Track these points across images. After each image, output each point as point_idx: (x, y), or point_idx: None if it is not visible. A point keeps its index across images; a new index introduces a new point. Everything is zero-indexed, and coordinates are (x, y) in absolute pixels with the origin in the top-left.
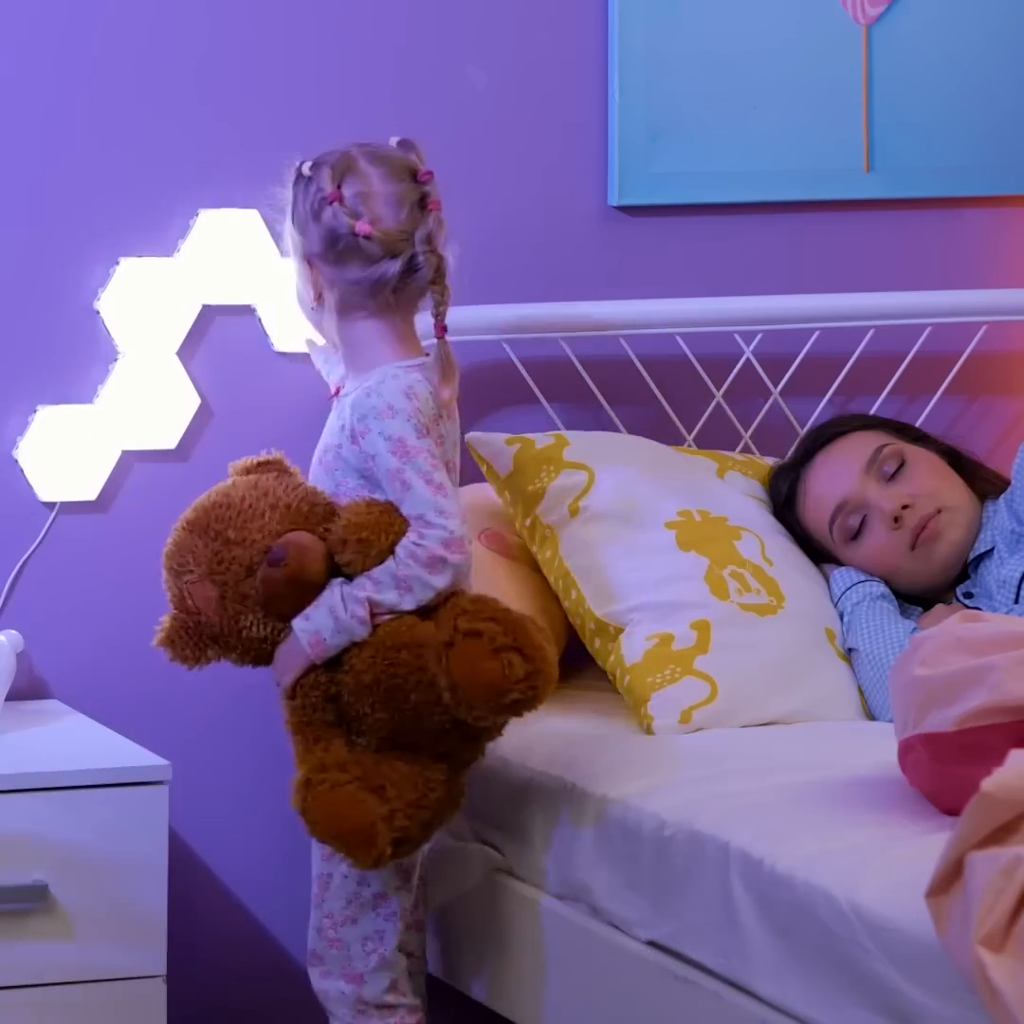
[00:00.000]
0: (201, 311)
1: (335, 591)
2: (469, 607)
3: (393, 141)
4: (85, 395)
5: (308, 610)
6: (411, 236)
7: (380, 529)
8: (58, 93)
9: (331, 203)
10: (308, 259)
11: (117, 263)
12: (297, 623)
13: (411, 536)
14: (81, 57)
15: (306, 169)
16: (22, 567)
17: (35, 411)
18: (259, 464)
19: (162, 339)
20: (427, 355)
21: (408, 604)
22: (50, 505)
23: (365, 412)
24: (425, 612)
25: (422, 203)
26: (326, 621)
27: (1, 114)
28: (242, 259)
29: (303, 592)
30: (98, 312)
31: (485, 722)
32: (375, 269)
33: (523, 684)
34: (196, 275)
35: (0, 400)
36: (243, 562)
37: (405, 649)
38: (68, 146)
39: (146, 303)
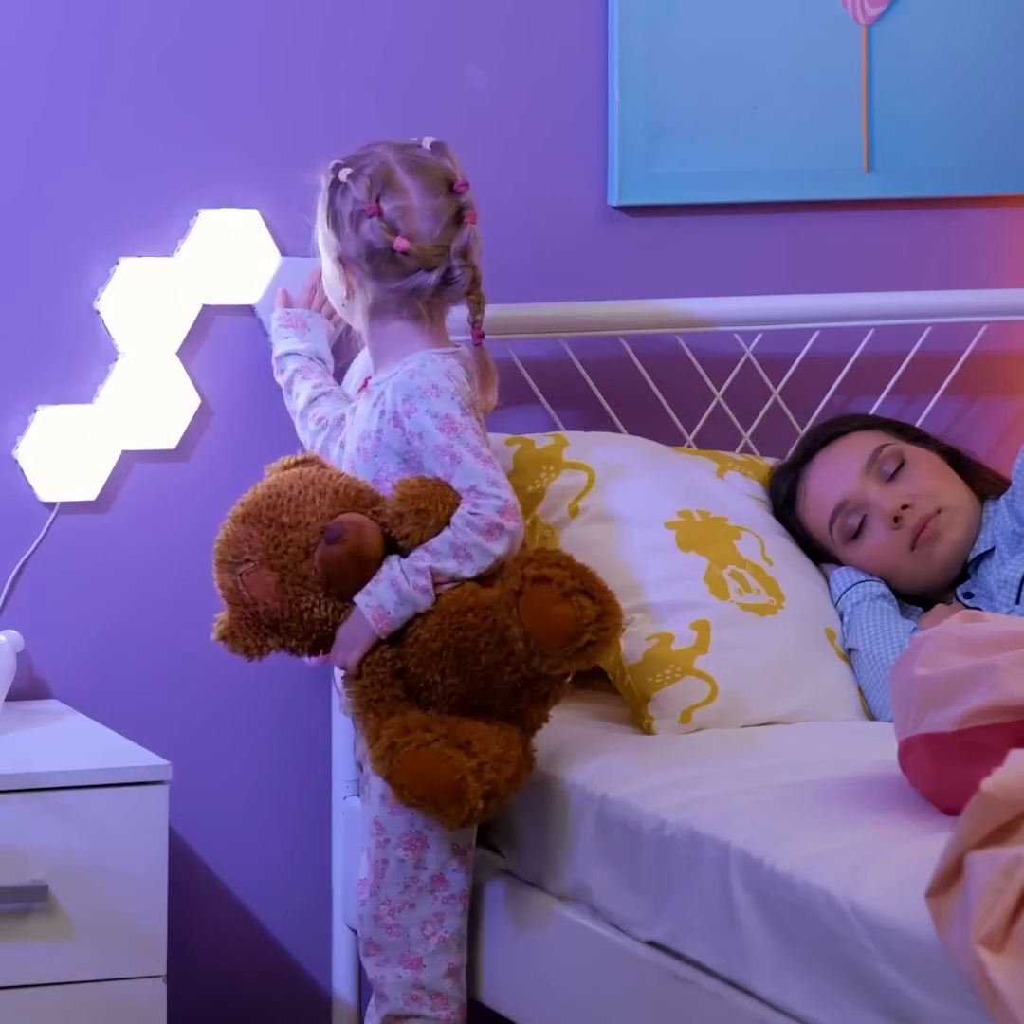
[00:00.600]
0: (201, 311)
1: (394, 565)
2: (534, 556)
3: (427, 143)
4: (85, 395)
5: (369, 585)
6: (447, 250)
7: (436, 500)
8: (58, 93)
9: (370, 216)
10: (342, 260)
11: (117, 263)
12: (360, 599)
13: (466, 506)
14: (81, 58)
15: (344, 176)
16: (22, 567)
17: (35, 411)
18: (297, 462)
19: (162, 339)
20: (457, 347)
21: (468, 572)
22: (50, 505)
23: (410, 393)
24: (484, 580)
25: (458, 217)
26: (388, 594)
27: (1, 114)
28: (242, 259)
29: (363, 568)
30: (98, 312)
31: (559, 670)
32: (410, 281)
33: (595, 625)
34: (196, 275)
35: (0, 400)
36: (300, 544)
37: (471, 612)
38: (68, 146)
39: (146, 303)
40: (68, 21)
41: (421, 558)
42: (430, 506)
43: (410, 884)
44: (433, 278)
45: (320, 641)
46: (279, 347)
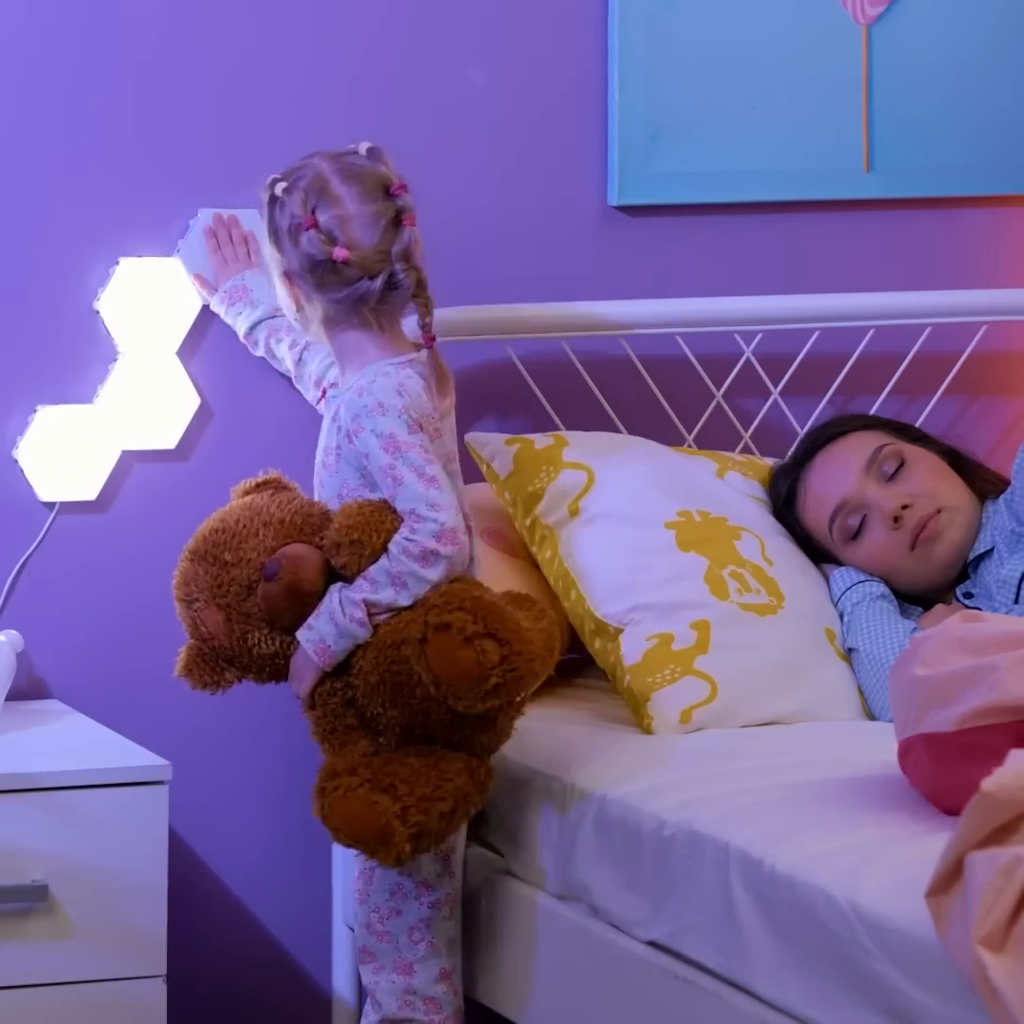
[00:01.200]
0: (201, 311)
1: (333, 598)
2: (438, 601)
3: (362, 148)
4: (85, 395)
5: (310, 619)
6: (388, 255)
7: (371, 529)
8: (58, 94)
9: (307, 229)
10: (288, 275)
11: (117, 263)
12: (301, 634)
13: (403, 531)
14: (81, 58)
15: (279, 190)
16: (22, 567)
17: (35, 411)
18: (257, 485)
19: (162, 339)
20: (418, 349)
21: (405, 600)
22: (50, 505)
23: (357, 411)
24: None
25: (397, 220)
26: (328, 628)
27: (1, 115)
28: None
29: (303, 602)
30: (98, 312)
31: (474, 709)
32: (355, 289)
33: (500, 668)
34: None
35: (0, 400)
36: (242, 582)
37: (404, 644)
38: (68, 146)
39: (146, 303)
40: (68, 21)
41: (360, 589)
42: (364, 535)
43: (395, 891)
44: (377, 284)
45: (275, 672)
46: (239, 326)
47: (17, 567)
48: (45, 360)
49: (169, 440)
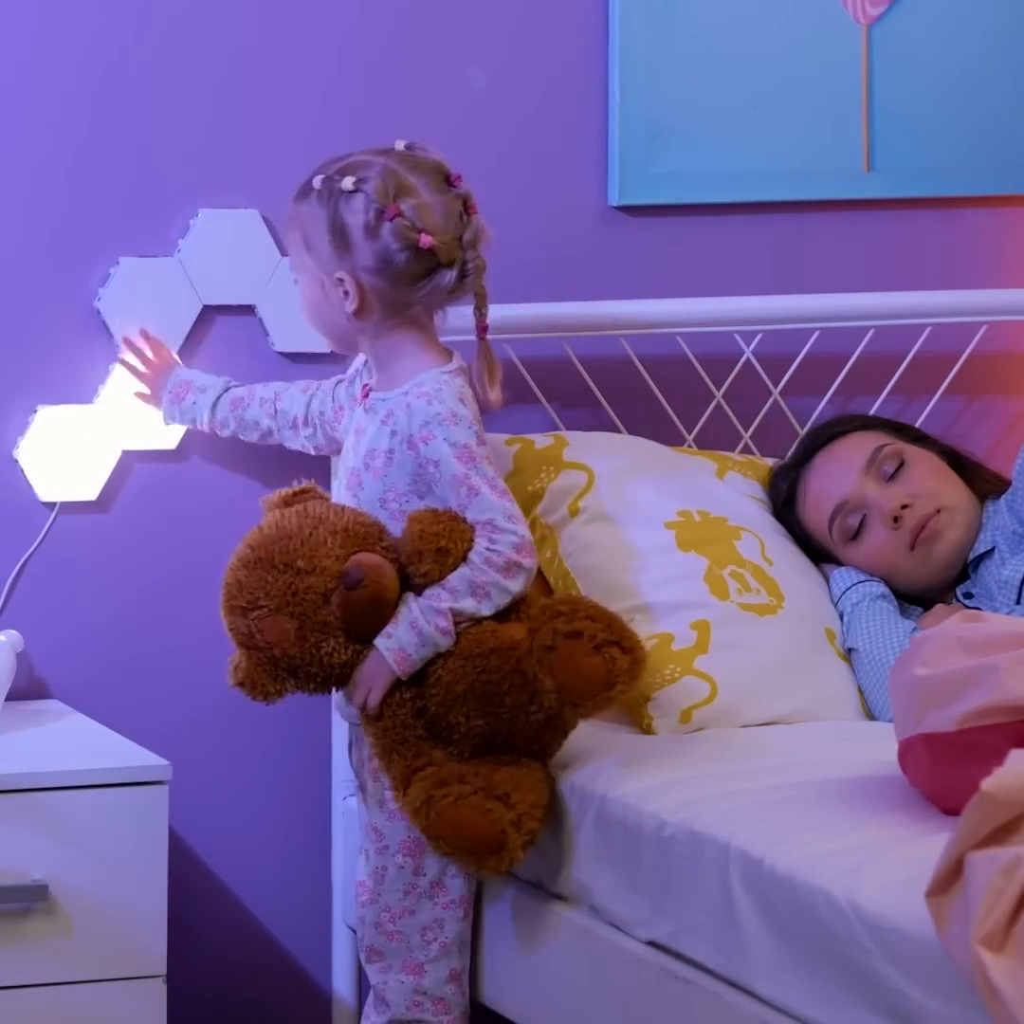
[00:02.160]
0: (201, 311)
1: (412, 606)
2: (564, 608)
3: (400, 145)
4: (85, 395)
5: (388, 627)
6: (461, 242)
7: (455, 537)
8: (58, 94)
9: (392, 219)
10: (349, 274)
11: (117, 263)
12: (380, 641)
13: (483, 542)
14: (81, 58)
15: (349, 184)
16: (22, 567)
17: (35, 411)
18: (295, 494)
19: (162, 339)
20: (460, 361)
21: (487, 610)
22: (50, 505)
23: (428, 419)
24: (501, 616)
25: (465, 208)
26: (409, 636)
27: (1, 115)
28: (242, 259)
29: (383, 610)
30: (98, 312)
31: (590, 716)
32: (433, 280)
33: (626, 675)
34: (196, 275)
35: (0, 400)
36: (318, 590)
37: (493, 654)
38: (68, 146)
39: (146, 303)
40: (68, 21)
41: (439, 598)
42: (450, 544)
43: (410, 890)
44: (452, 274)
45: (340, 681)
46: (201, 415)
47: (17, 567)
48: (45, 360)
49: (169, 440)
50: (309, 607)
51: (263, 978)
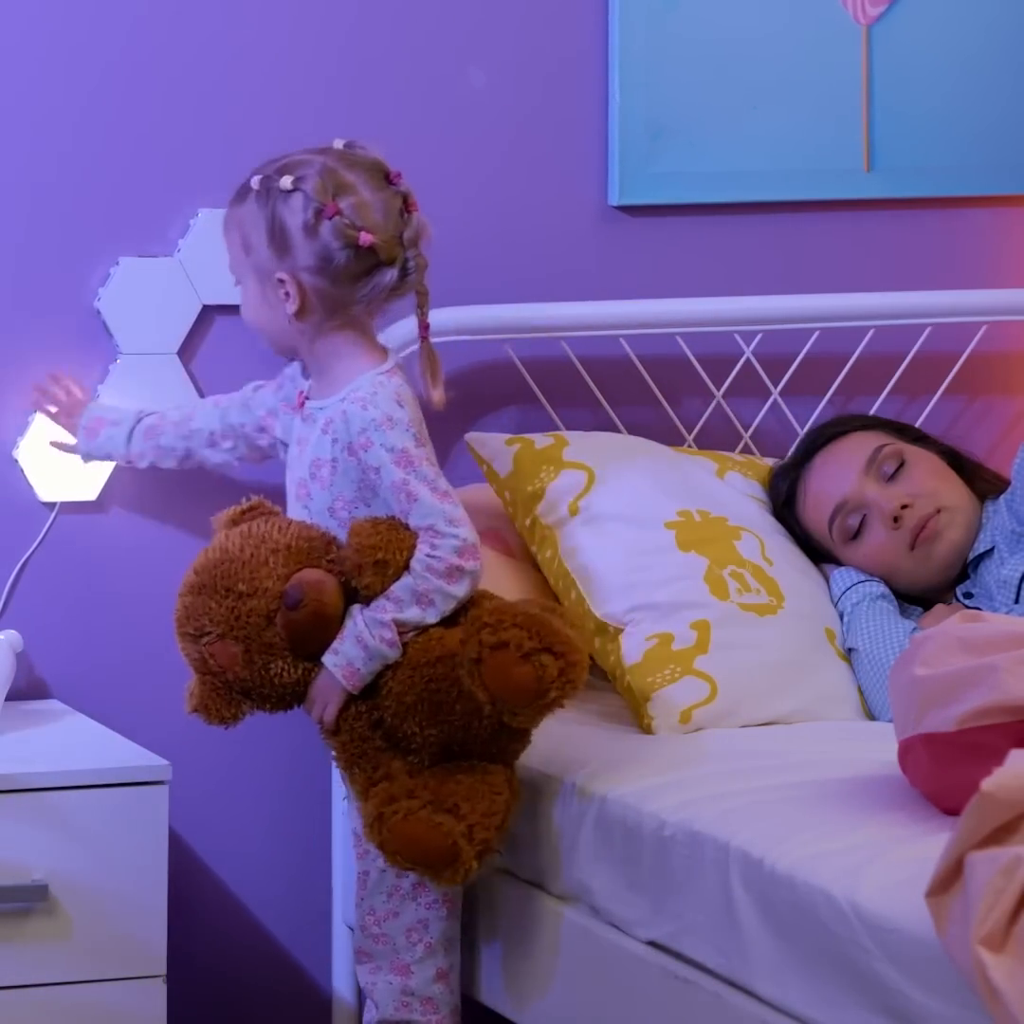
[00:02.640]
0: (201, 311)
1: (358, 620)
2: (490, 620)
3: (338, 143)
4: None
5: (335, 644)
6: (401, 240)
7: (394, 548)
8: (59, 94)
9: (331, 217)
10: (289, 275)
11: (117, 263)
12: (328, 659)
13: (424, 548)
14: (81, 58)
15: (287, 184)
16: (22, 567)
17: (35, 411)
18: (243, 512)
19: (162, 339)
20: (397, 361)
21: (432, 617)
22: (50, 505)
23: (365, 425)
24: (448, 621)
25: (405, 206)
26: (356, 651)
27: (1, 115)
28: None
29: (327, 627)
30: (98, 312)
31: (531, 723)
32: (374, 278)
33: (559, 680)
34: (196, 275)
35: (0, 400)
36: (260, 612)
37: (440, 662)
38: (69, 146)
39: (146, 303)
40: (68, 21)
41: (384, 608)
42: (388, 556)
43: (393, 892)
44: (393, 272)
45: (295, 699)
46: (116, 447)
47: (17, 567)
48: (45, 360)
49: None
50: (253, 630)
51: (263, 978)
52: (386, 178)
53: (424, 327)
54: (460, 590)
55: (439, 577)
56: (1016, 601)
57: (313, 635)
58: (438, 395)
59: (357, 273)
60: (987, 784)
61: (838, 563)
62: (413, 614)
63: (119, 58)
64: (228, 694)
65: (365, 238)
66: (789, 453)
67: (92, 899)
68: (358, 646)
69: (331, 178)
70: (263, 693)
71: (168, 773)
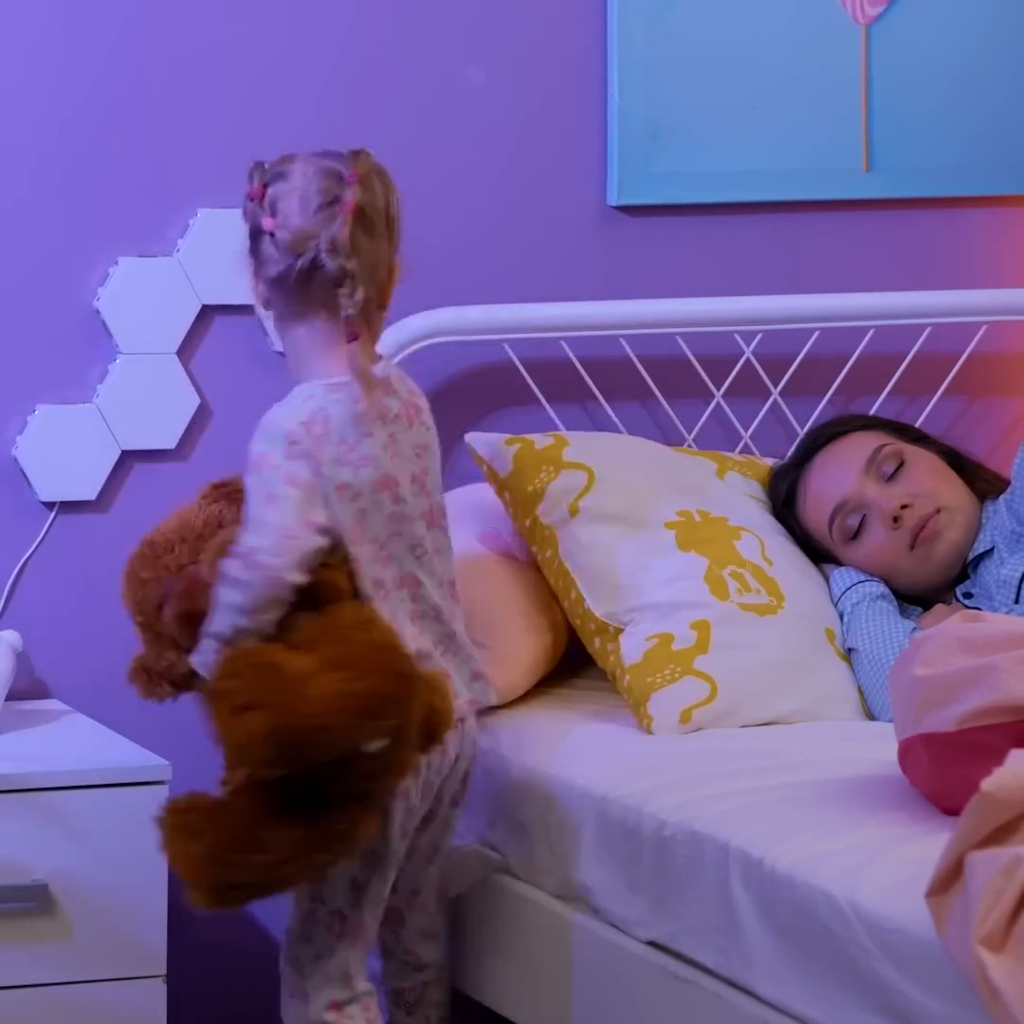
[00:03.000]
0: (201, 311)
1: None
2: (225, 668)
3: (345, 150)
4: (85, 395)
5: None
6: (318, 237)
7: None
8: (58, 93)
9: (251, 200)
10: (249, 260)
11: (117, 263)
12: (193, 658)
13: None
14: (81, 58)
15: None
16: (22, 567)
17: (35, 411)
18: (214, 487)
19: (162, 339)
20: (378, 358)
21: (226, 630)
22: (50, 505)
23: (259, 426)
24: (293, 644)
25: (334, 206)
26: (205, 643)
27: (1, 114)
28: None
29: (196, 626)
30: (98, 312)
31: (259, 776)
32: (277, 266)
33: (269, 740)
34: (196, 275)
35: (0, 400)
36: (153, 600)
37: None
38: (68, 146)
39: (146, 303)
40: (68, 21)
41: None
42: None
43: (308, 917)
44: (297, 264)
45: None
46: None
47: (17, 567)
48: (45, 360)
49: (169, 440)
50: (149, 617)
51: (263, 978)
52: (338, 178)
53: (349, 334)
54: (231, 597)
55: (223, 583)
56: (1016, 601)
57: (184, 633)
58: (359, 407)
59: (268, 260)
60: (987, 784)
61: (838, 563)
62: (214, 626)
63: (118, 58)
64: (150, 674)
65: (266, 222)
66: (789, 453)
67: (92, 899)
68: (205, 638)
69: (279, 165)
70: (171, 679)
71: (168, 773)
